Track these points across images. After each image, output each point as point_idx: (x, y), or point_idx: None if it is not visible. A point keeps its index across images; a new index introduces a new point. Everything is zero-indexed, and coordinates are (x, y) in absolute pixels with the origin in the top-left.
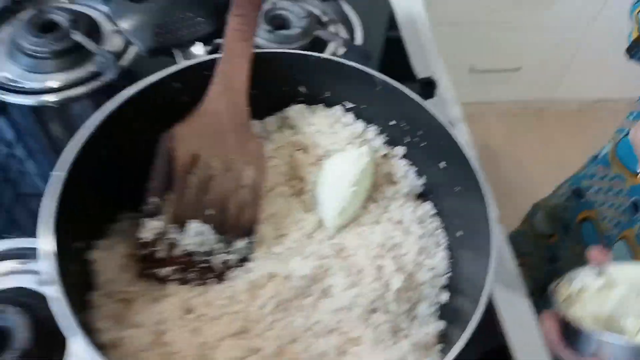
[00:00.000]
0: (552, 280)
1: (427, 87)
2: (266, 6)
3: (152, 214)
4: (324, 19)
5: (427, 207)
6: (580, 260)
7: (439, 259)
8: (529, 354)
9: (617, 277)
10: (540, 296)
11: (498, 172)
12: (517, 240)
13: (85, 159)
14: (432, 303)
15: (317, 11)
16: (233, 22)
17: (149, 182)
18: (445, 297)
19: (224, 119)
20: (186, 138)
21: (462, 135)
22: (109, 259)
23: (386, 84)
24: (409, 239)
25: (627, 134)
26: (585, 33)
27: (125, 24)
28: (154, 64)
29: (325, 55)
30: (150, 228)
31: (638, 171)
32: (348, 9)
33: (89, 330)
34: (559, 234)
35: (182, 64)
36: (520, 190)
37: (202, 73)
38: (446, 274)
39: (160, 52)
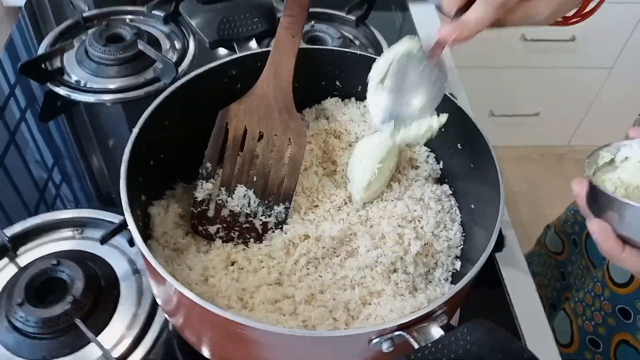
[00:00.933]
0: (562, 298)
1: None
2: (306, 28)
3: (206, 177)
4: (356, 42)
5: (445, 187)
6: (588, 274)
7: (454, 232)
8: None
9: None
10: (552, 314)
11: (518, 215)
12: (529, 261)
13: (153, 124)
14: (446, 270)
15: (350, 36)
16: (284, 21)
17: (205, 151)
18: (457, 265)
19: (271, 100)
20: (239, 114)
21: None
22: (165, 216)
23: None
24: (427, 214)
25: None
26: (603, 81)
27: (194, 21)
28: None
29: (360, 52)
30: (203, 189)
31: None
32: (379, 36)
33: None
34: (568, 250)
35: (239, 53)
36: (540, 233)
37: (255, 63)
38: (459, 246)
39: (221, 44)
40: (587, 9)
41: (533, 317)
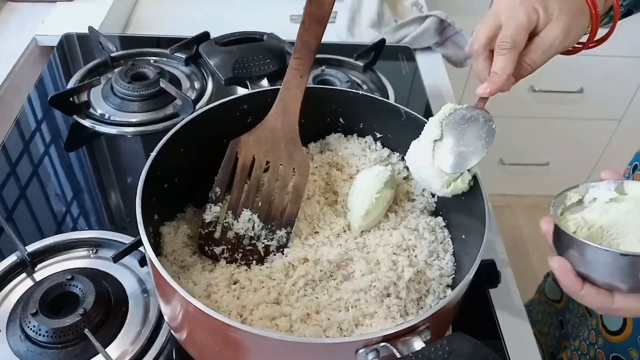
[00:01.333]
0: (561, 347)
1: None
2: (316, 72)
3: (215, 201)
4: (364, 86)
5: (439, 219)
6: (585, 322)
7: (446, 262)
8: None
9: (633, 194)
10: None
11: (527, 263)
12: (530, 309)
13: (170, 150)
14: (437, 297)
15: (358, 80)
16: (293, 63)
17: (215, 177)
18: (449, 293)
19: (279, 133)
20: (249, 145)
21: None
22: (174, 236)
23: (409, 114)
24: (421, 243)
25: None
26: (612, 132)
27: (212, 61)
28: None
29: (362, 92)
30: (212, 212)
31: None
32: (385, 81)
33: None
34: (566, 297)
35: (250, 90)
36: None
37: (266, 100)
38: (451, 275)
39: (235, 82)
40: (599, 36)
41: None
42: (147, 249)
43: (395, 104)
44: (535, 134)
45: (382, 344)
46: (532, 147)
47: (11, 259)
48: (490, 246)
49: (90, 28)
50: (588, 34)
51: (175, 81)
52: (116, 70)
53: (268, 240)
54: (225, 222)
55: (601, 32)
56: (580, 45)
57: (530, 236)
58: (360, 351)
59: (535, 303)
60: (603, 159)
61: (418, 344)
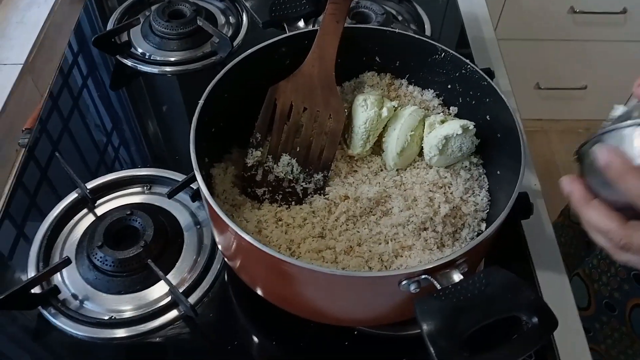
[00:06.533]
0: (588, 267)
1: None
2: (351, 4)
3: (256, 146)
4: (399, 17)
5: (474, 158)
6: None
7: (481, 198)
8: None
9: None
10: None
11: (559, 188)
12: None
13: (215, 96)
14: (472, 230)
15: (393, 11)
16: (330, 8)
17: (256, 122)
18: (483, 227)
19: (315, 80)
20: (286, 91)
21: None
22: (224, 177)
23: (446, 50)
24: (457, 181)
25: None
26: None
27: (249, 3)
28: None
29: (399, 30)
30: (253, 156)
31: None
32: (421, 12)
33: None
34: None
35: (288, 32)
36: None
37: (303, 41)
38: (486, 210)
39: (273, 25)
40: None
41: (556, 285)
42: (204, 190)
43: (432, 41)
44: (573, 57)
45: (424, 276)
46: (570, 70)
47: (72, 195)
48: (524, 178)
49: None
50: None
51: (211, 18)
52: (153, 8)
53: (306, 183)
54: (266, 166)
55: None
56: None
57: (564, 161)
58: (403, 282)
59: (559, 226)
60: None
61: (457, 276)
